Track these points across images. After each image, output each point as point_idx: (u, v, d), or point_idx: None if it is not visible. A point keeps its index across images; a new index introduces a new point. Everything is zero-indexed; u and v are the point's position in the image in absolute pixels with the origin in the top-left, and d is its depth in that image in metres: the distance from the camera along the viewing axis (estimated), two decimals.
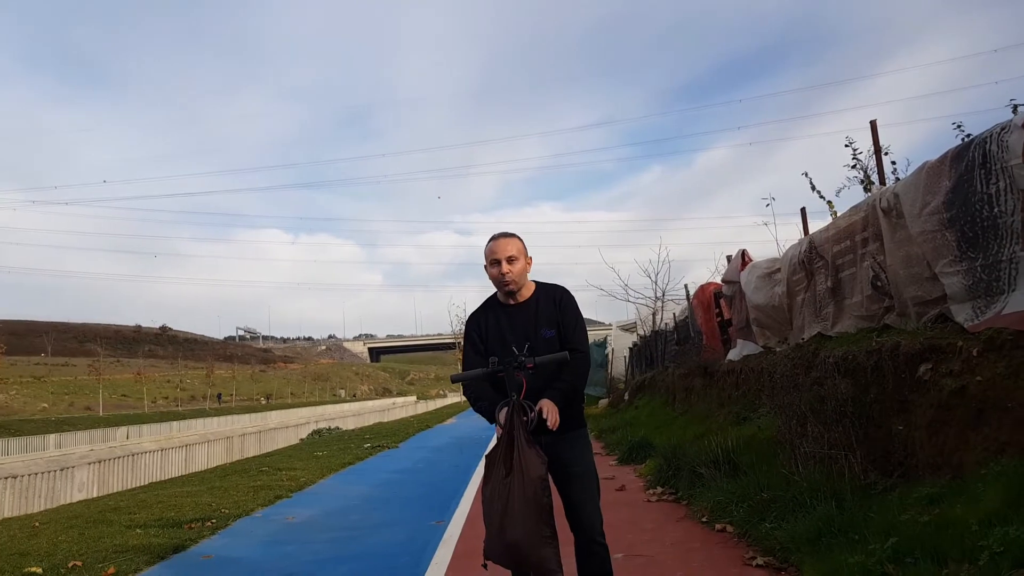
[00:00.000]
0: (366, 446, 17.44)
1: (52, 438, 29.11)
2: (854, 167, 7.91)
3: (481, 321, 3.44)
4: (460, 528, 6.69)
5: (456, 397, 75.91)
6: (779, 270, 8.87)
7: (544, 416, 3.03)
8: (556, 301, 3.38)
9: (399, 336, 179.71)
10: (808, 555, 4.29)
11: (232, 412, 53.28)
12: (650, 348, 21.21)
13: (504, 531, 2.92)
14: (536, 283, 3.46)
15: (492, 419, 3.17)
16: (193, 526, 7.53)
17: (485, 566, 3.09)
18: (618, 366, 28.26)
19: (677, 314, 17.96)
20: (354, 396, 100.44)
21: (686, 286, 17.17)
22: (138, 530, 7.43)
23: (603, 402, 23.67)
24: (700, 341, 13.85)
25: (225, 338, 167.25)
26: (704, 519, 6.08)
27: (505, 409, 3.07)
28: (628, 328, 28.90)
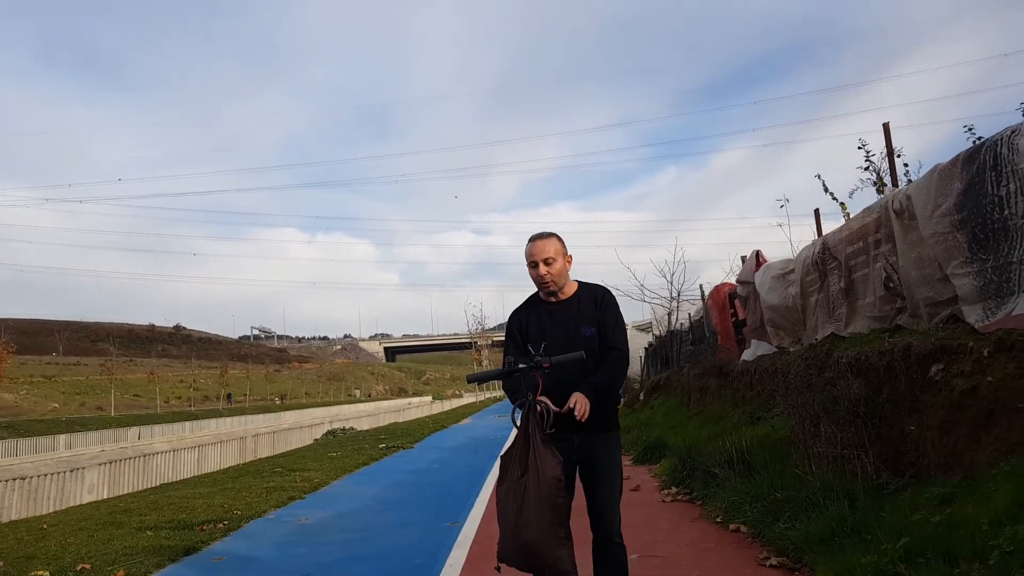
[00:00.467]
0: (381, 447, 17.51)
1: (62, 439, 29.30)
2: (867, 169, 7.95)
3: (523, 318, 3.50)
4: (475, 529, 6.72)
5: (472, 397, 76.07)
6: (793, 271, 8.88)
7: (572, 407, 3.06)
8: (597, 300, 3.45)
9: (415, 336, 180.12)
10: (821, 555, 4.33)
11: (246, 412, 53.57)
12: (665, 348, 21.21)
13: (519, 532, 2.95)
14: (579, 283, 3.53)
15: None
16: (205, 528, 7.54)
17: (499, 568, 3.12)
18: (633, 366, 28.28)
19: (692, 314, 17.97)
20: (369, 396, 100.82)
21: (701, 286, 17.19)
22: (149, 532, 7.43)
23: None
24: (715, 341, 13.86)
25: (240, 337, 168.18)
26: (718, 519, 6.11)
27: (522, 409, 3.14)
28: (644, 328, 28.91)
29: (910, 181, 6.78)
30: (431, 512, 8.16)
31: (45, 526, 9.02)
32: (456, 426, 27.91)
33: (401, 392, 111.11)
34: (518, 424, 3.13)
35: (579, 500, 3.31)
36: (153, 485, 16.49)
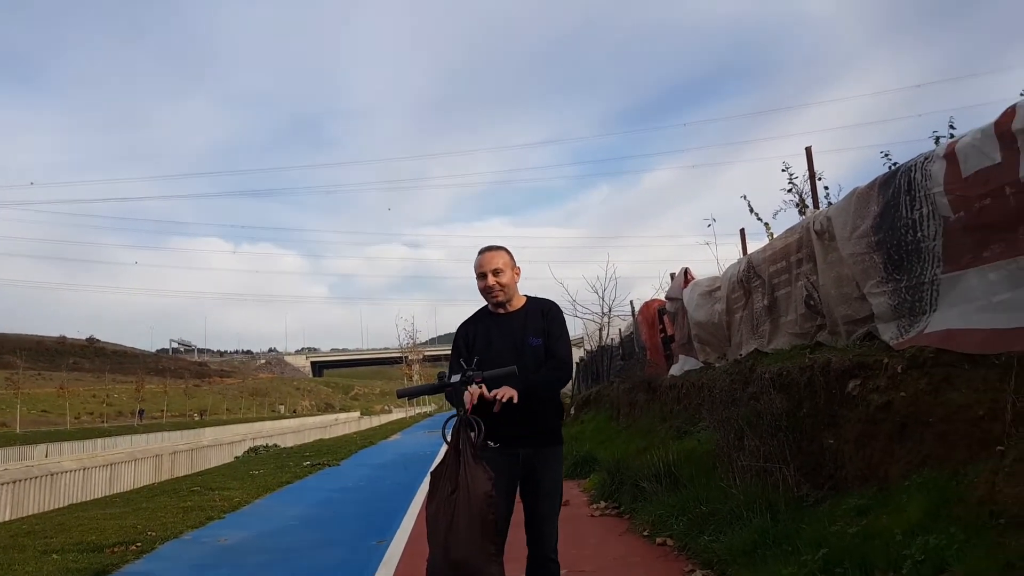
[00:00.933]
0: (306, 464, 17.12)
1: None
2: (790, 191, 8.24)
3: (470, 331, 3.51)
4: (402, 547, 6.63)
5: (401, 413, 75.15)
6: (719, 288, 9.10)
7: (493, 394, 3.04)
8: (544, 312, 3.50)
9: (343, 350, 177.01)
10: (744, 567, 4.41)
11: (162, 428, 51.60)
12: (596, 363, 21.43)
13: (448, 549, 2.91)
14: (528, 296, 3.57)
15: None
16: (116, 550, 7.17)
17: None
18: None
19: (623, 330, 18.19)
20: (294, 412, 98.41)
21: (631, 302, 17.44)
22: (55, 555, 7.05)
23: None
24: (644, 356, 14.06)
25: (158, 351, 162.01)
26: (646, 533, 6.18)
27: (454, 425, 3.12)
28: (575, 343, 29.15)
29: (830, 203, 7.05)
30: (357, 531, 8.01)
31: None
32: (385, 442, 27.53)
33: (328, 408, 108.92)
34: (449, 439, 3.11)
35: (516, 515, 3.31)
36: (61, 506, 15.70)
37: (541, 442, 3.33)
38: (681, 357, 10.99)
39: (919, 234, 4.63)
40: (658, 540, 5.82)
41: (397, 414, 75.90)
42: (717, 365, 8.92)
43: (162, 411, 79.16)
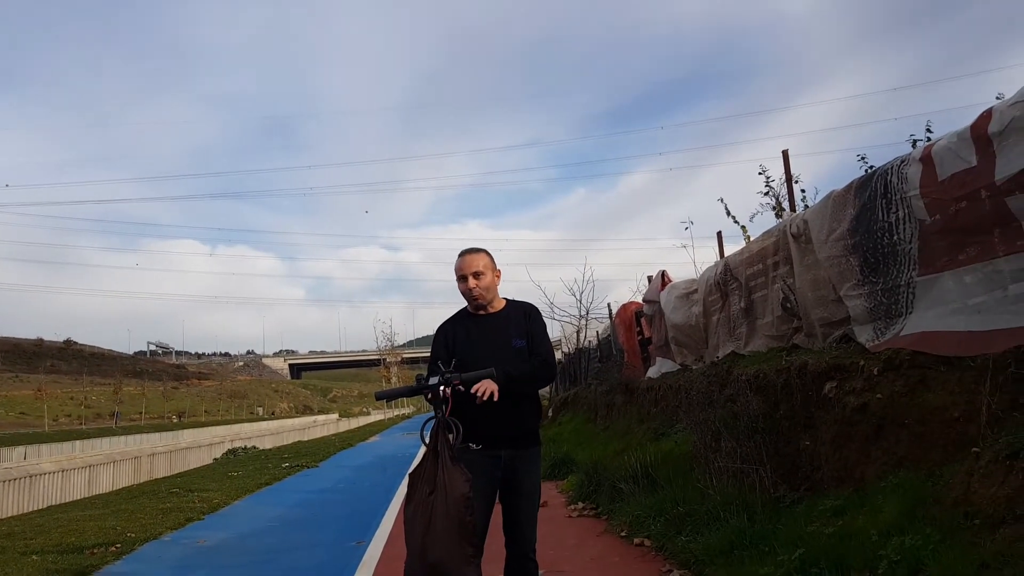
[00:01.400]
0: (284, 465, 16.98)
1: None
2: (767, 194, 8.31)
3: (450, 332, 3.49)
4: (381, 549, 6.59)
5: (380, 415, 74.85)
6: (696, 291, 9.14)
7: (474, 390, 3.06)
8: (526, 314, 3.52)
9: (322, 352, 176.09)
10: (722, 567, 4.43)
11: (141, 431, 51.06)
12: (574, 365, 21.46)
13: (426, 551, 2.91)
14: (507, 300, 3.59)
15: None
16: (96, 551, 7.10)
17: None
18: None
19: (600, 332, 18.24)
20: (273, 414, 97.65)
21: (609, 305, 17.48)
22: (34, 556, 6.97)
23: None
24: (622, 359, 14.10)
25: (135, 353, 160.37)
26: (623, 533, 6.19)
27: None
28: (553, 345, 29.11)
29: (807, 206, 7.11)
30: (336, 532, 7.95)
31: None
32: (363, 444, 27.36)
33: (306, 410, 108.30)
34: (427, 441, 3.10)
35: (495, 516, 3.30)
36: (40, 507, 15.48)
37: (522, 444, 3.35)
38: (658, 359, 11.03)
39: (895, 237, 4.67)
40: (636, 540, 5.83)
41: (376, 416, 75.54)
42: (694, 367, 8.97)
43: (140, 413, 78.40)
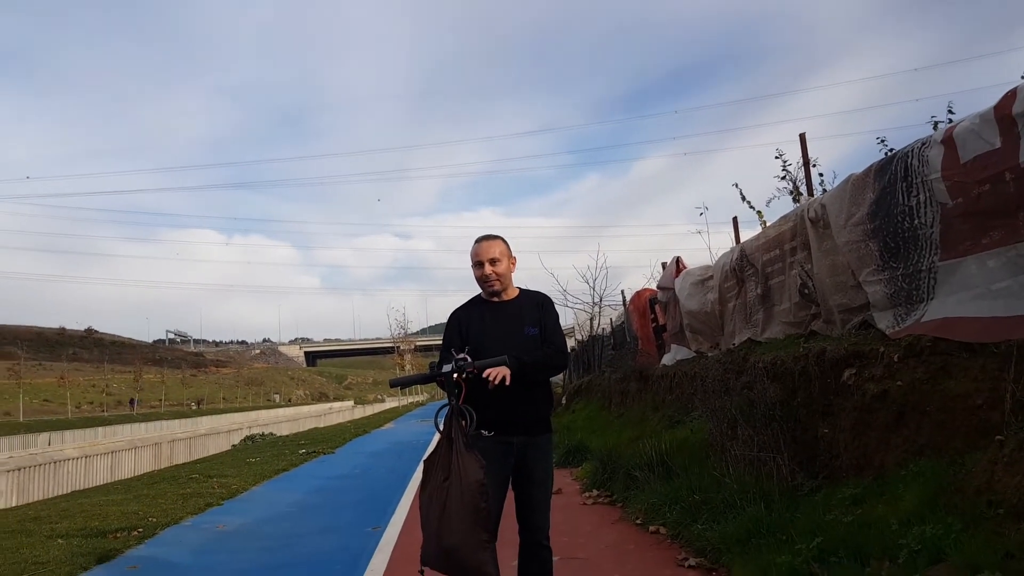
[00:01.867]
0: (301, 452, 17.11)
1: None
2: (784, 178, 8.19)
3: (463, 318, 3.49)
4: (397, 534, 6.63)
5: (394, 402, 75.25)
6: (712, 277, 9.07)
7: (487, 374, 3.06)
8: (539, 304, 3.52)
9: (336, 340, 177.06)
10: (738, 555, 4.40)
11: (161, 417, 51.63)
12: (587, 353, 21.42)
13: (441, 536, 2.94)
14: (520, 288, 3.59)
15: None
16: (118, 535, 7.24)
17: (422, 572, 3.08)
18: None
19: (614, 319, 18.17)
20: (289, 401, 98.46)
21: (622, 292, 17.42)
22: (60, 540, 7.11)
23: None
24: (636, 346, 14.05)
25: (154, 341, 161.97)
26: (639, 521, 6.17)
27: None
28: (566, 333, 29.07)
29: (825, 191, 7.01)
30: (353, 517, 8.00)
31: None
32: (378, 431, 27.51)
33: (322, 397, 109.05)
34: (441, 428, 3.11)
35: (507, 502, 3.29)
36: (64, 492, 15.76)
37: (534, 430, 3.35)
38: (673, 346, 10.97)
39: (916, 221, 4.59)
40: (651, 528, 5.81)
41: (390, 403, 75.96)
42: (710, 354, 8.91)
43: (160, 400, 79.22)
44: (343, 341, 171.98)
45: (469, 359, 3.15)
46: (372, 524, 7.34)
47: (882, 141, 6.36)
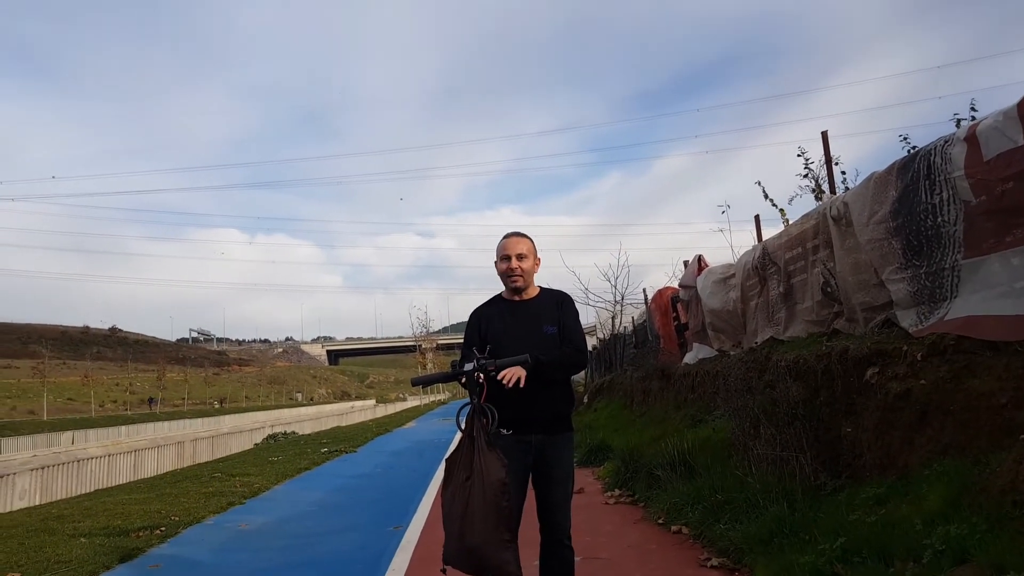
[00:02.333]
0: (323, 451, 17.23)
1: None
2: (806, 176, 8.13)
3: (484, 316, 3.53)
4: (419, 533, 6.66)
5: (416, 401, 75.51)
6: (734, 275, 9.03)
7: (502, 375, 3.08)
8: (558, 302, 3.55)
9: (358, 339, 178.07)
10: (761, 555, 4.39)
11: (184, 416, 52.15)
12: (609, 351, 21.37)
13: (464, 535, 2.96)
14: (541, 288, 3.62)
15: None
16: (141, 534, 7.31)
17: (444, 571, 3.11)
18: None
19: (635, 318, 18.11)
20: (311, 400, 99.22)
21: (644, 290, 17.33)
22: (83, 539, 7.19)
23: None
24: (657, 344, 14.00)
25: (178, 340, 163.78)
26: (661, 521, 6.17)
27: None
28: (588, 332, 29.07)
29: (847, 188, 6.96)
30: (374, 516, 8.05)
31: None
32: (400, 430, 27.64)
33: (344, 396, 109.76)
34: (463, 427, 3.13)
35: (529, 501, 3.30)
36: (87, 491, 15.93)
37: (552, 429, 3.36)
38: (695, 345, 10.93)
39: (939, 219, 4.56)
40: (673, 528, 5.80)
41: (412, 402, 76.27)
42: (732, 353, 8.87)
43: (183, 399, 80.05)
44: (365, 340, 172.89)
45: (490, 358, 3.18)
46: (394, 523, 7.38)
47: (905, 139, 6.31)
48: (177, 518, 8.23)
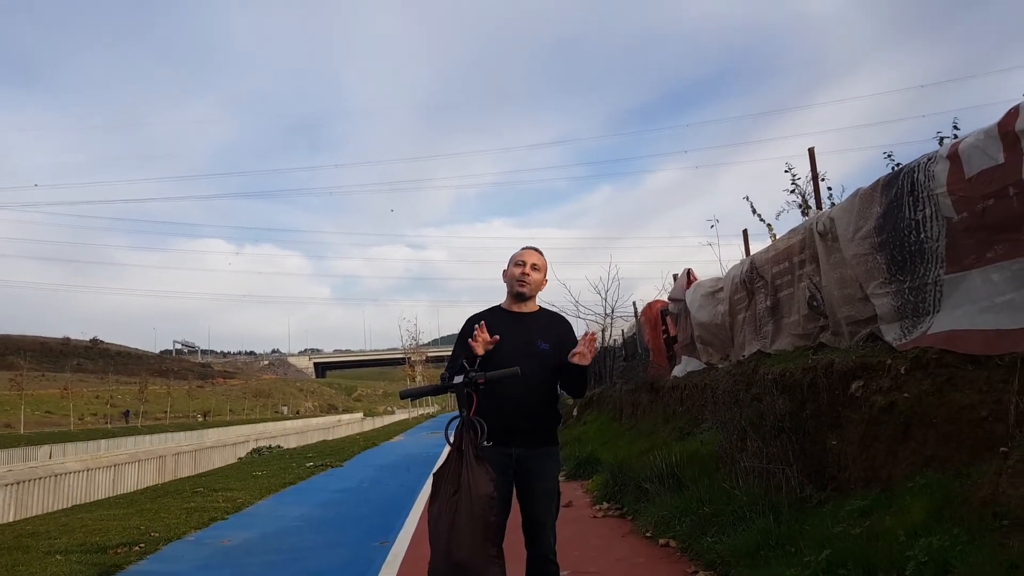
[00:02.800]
0: (308, 465, 17.10)
1: None
2: (793, 192, 8.24)
3: (478, 324, 3.50)
4: (405, 548, 6.62)
5: (404, 414, 75.16)
6: (722, 289, 9.09)
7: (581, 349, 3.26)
8: (556, 323, 3.64)
9: (346, 351, 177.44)
10: (747, 568, 4.40)
11: (166, 430, 51.59)
12: (598, 364, 21.39)
13: (450, 550, 2.93)
14: (541, 307, 3.69)
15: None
16: (120, 551, 7.10)
17: None
18: None
19: (625, 331, 18.18)
20: (297, 413, 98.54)
21: (634, 303, 17.41)
22: (58, 556, 6.95)
23: None
24: (647, 357, 14.05)
25: (161, 352, 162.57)
26: (648, 534, 6.17)
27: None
28: None
29: (833, 204, 7.04)
30: (360, 532, 8.00)
31: None
32: (388, 443, 27.47)
33: (331, 409, 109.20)
34: (451, 441, 3.12)
35: (514, 517, 3.29)
36: (64, 507, 15.66)
37: (533, 442, 3.35)
38: (684, 358, 10.98)
39: (922, 235, 4.62)
40: (661, 541, 5.81)
41: (400, 415, 75.88)
42: (720, 366, 8.92)
43: (166, 412, 79.18)
44: (353, 352, 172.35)
45: (480, 370, 3.18)
46: (380, 539, 7.33)
47: (889, 156, 6.40)
48: (157, 534, 8.03)
